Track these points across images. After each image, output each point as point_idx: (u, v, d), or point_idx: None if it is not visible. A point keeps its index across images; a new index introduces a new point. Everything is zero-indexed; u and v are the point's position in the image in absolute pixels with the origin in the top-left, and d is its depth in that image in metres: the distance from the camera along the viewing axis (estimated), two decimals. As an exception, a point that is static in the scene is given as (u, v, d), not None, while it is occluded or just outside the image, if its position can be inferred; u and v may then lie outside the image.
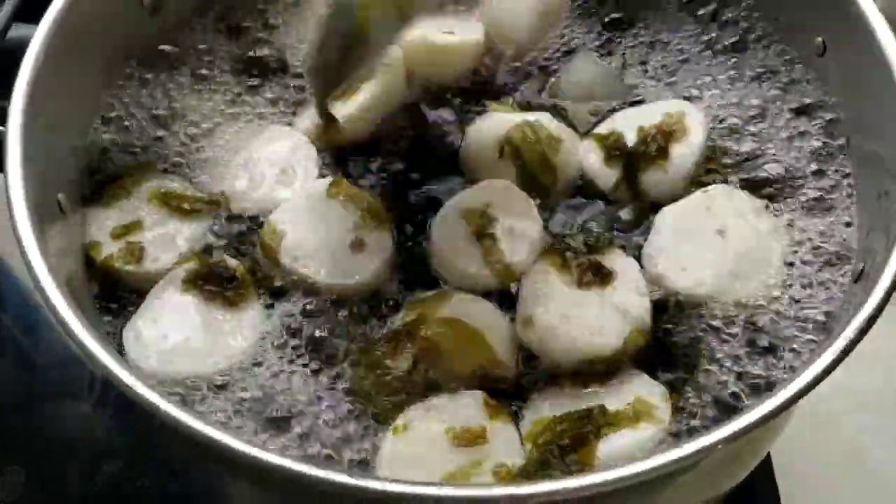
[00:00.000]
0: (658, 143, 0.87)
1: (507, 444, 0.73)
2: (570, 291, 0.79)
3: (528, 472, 0.71)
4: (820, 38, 0.90)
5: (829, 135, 0.90)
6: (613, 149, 0.88)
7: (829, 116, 0.91)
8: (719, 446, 0.64)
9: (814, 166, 0.89)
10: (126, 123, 0.92)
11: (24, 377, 1.08)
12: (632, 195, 0.87)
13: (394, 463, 0.72)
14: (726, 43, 0.97)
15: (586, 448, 0.71)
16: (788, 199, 0.87)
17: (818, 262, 0.84)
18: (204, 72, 0.96)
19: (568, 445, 0.72)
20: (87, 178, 0.88)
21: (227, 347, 0.79)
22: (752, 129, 0.92)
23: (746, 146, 0.90)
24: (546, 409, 0.75)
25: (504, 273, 0.81)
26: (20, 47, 0.82)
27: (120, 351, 0.78)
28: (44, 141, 0.80)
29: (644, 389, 0.75)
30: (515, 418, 0.76)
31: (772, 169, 0.89)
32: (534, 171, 0.86)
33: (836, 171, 0.88)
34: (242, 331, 0.80)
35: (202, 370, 0.77)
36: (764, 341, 0.79)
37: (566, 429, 0.72)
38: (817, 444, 1.04)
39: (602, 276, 0.79)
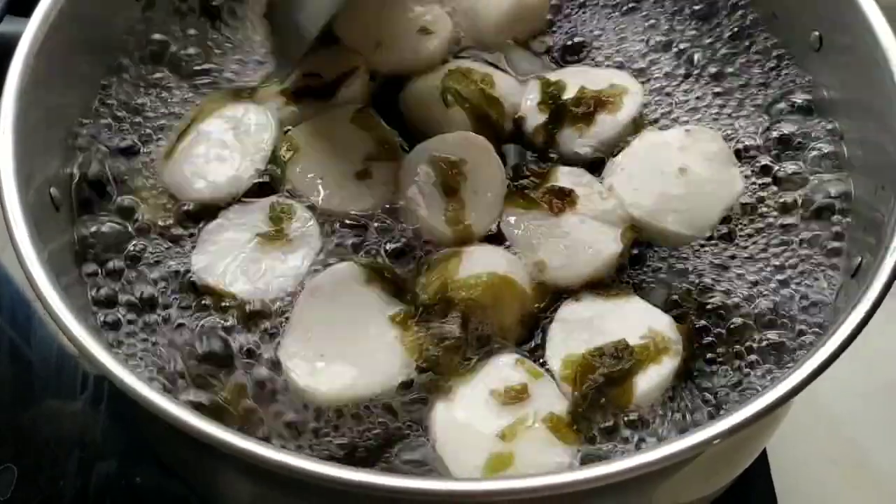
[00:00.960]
0: (588, 107, 0.89)
1: (547, 394, 0.76)
2: (553, 221, 0.83)
3: (578, 414, 0.75)
4: (816, 33, 0.90)
5: (825, 129, 0.90)
6: (550, 96, 0.91)
7: (825, 112, 0.91)
8: (716, 441, 0.64)
9: (810, 163, 0.89)
10: (119, 117, 0.91)
11: (17, 375, 1.07)
12: (544, 144, 0.90)
13: (448, 429, 0.74)
14: (724, 36, 0.97)
15: (622, 388, 0.75)
16: (785, 194, 0.87)
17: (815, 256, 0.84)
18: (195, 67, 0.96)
19: (604, 384, 0.75)
20: (80, 172, 0.87)
21: None
22: (746, 122, 0.92)
23: (746, 139, 0.91)
24: (566, 346, 0.78)
25: (464, 234, 0.83)
26: (11, 41, 0.82)
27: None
28: (36, 135, 0.80)
29: (652, 319, 0.79)
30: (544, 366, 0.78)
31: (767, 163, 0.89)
32: (481, 107, 0.89)
33: (833, 165, 0.88)
34: None
35: None
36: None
37: (600, 367, 0.76)
38: (813, 440, 1.04)
39: (568, 197, 0.83)
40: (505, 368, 0.77)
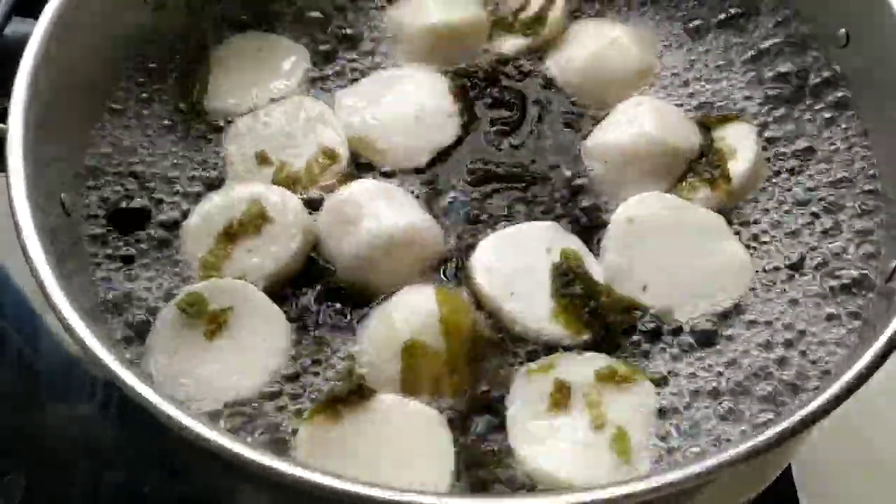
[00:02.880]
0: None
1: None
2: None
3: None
4: (843, 30, 0.88)
5: (851, 125, 0.89)
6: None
7: (850, 108, 0.90)
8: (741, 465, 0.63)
9: (835, 157, 0.88)
10: (130, 121, 0.90)
11: (25, 383, 1.06)
12: None
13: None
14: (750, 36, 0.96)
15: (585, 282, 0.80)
16: (808, 189, 0.87)
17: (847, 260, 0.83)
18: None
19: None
20: (91, 177, 0.86)
21: None
22: (774, 114, 0.91)
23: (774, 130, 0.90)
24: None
25: None
26: (20, 43, 0.80)
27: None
28: (46, 139, 0.78)
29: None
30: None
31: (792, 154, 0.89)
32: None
33: (859, 162, 0.88)
34: None
35: None
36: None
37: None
38: (837, 451, 1.02)
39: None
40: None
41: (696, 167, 0.87)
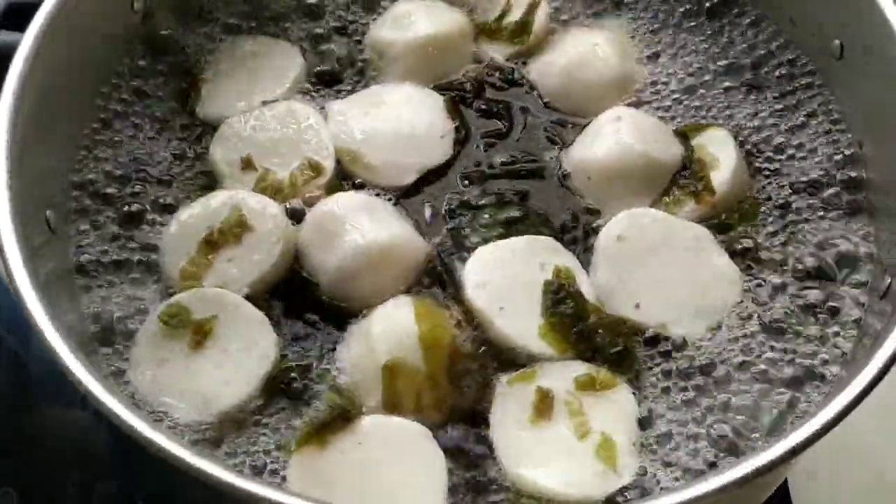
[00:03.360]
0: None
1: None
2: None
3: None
4: (838, 41, 0.87)
5: (845, 138, 0.89)
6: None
7: (842, 120, 0.90)
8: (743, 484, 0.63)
9: (831, 171, 0.88)
10: (117, 136, 0.89)
11: (20, 386, 1.05)
12: None
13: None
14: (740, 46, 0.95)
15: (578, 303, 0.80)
16: (807, 202, 0.86)
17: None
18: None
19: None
20: (75, 194, 0.85)
21: None
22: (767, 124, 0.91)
23: (759, 143, 0.90)
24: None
25: None
26: (5, 55, 0.79)
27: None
28: (31, 156, 0.78)
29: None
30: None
31: (789, 170, 0.88)
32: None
33: (852, 176, 0.87)
34: None
35: None
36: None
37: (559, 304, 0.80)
38: (832, 463, 1.01)
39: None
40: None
41: (679, 180, 0.86)
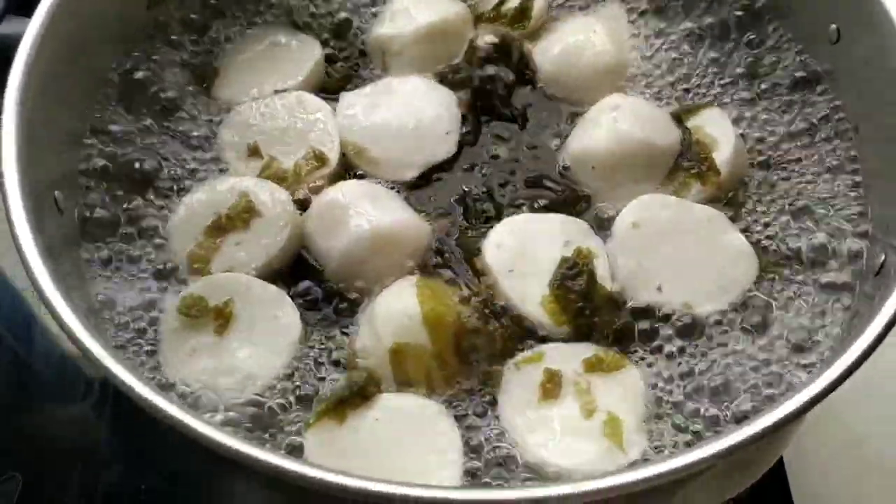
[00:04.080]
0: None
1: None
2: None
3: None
4: (834, 26, 0.89)
5: (840, 120, 0.90)
6: None
7: (838, 101, 0.90)
8: (732, 453, 0.64)
9: (824, 157, 0.89)
10: (123, 120, 0.90)
11: (20, 383, 1.06)
12: None
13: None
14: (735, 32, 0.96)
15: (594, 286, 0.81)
16: (797, 185, 0.88)
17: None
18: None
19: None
20: (83, 175, 0.86)
21: None
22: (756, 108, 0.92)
23: (756, 130, 0.91)
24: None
25: None
26: (13, 42, 0.80)
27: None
28: (39, 139, 0.78)
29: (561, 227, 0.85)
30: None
31: (781, 152, 0.90)
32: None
33: (847, 157, 0.88)
34: None
35: None
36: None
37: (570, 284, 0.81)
38: (826, 438, 1.03)
39: None
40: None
41: (682, 163, 0.87)
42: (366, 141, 0.89)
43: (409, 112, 0.90)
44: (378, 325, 0.77)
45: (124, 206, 0.86)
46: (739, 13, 0.96)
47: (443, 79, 0.94)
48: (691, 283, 0.81)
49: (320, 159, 0.88)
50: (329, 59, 0.96)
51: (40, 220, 0.74)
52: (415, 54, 0.94)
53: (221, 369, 0.77)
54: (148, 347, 0.79)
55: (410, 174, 0.88)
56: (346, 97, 0.92)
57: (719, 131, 0.88)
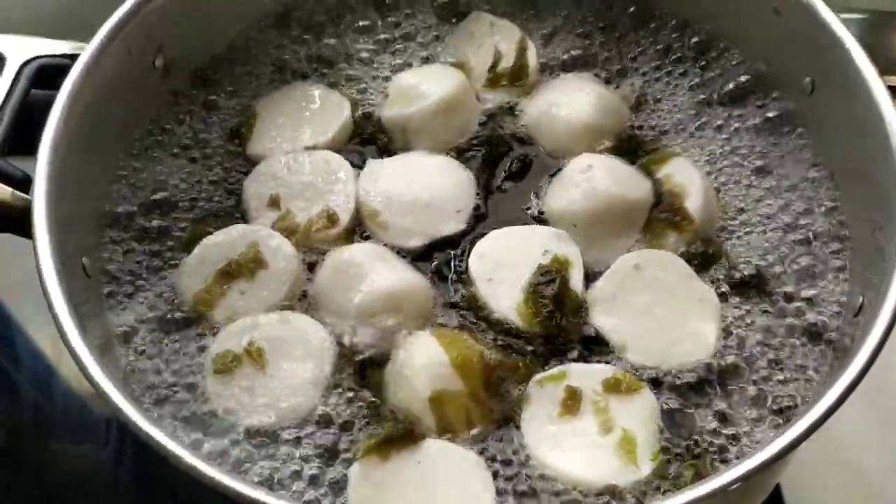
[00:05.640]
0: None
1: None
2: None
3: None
4: (808, 78, 0.93)
5: (816, 170, 0.93)
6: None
7: (816, 151, 0.94)
8: (733, 486, 0.69)
9: (802, 202, 0.93)
10: (144, 185, 0.94)
11: (41, 435, 1.08)
12: None
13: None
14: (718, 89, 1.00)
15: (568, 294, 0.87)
16: (778, 222, 0.91)
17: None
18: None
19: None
20: (109, 241, 0.90)
21: None
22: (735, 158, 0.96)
23: (733, 177, 0.95)
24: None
25: None
26: (39, 113, 0.85)
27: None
28: (68, 207, 0.82)
29: (541, 238, 0.91)
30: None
31: (761, 201, 0.93)
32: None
33: (826, 207, 0.92)
34: None
35: None
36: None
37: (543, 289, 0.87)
38: (823, 465, 1.05)
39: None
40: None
41: (657, 214, 0.91)
42: (380, 206, 0.92)
43: (427, 187, 0.93)
44: (410, 376, 0.82)
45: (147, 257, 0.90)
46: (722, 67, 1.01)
47: (460, 153, 0.97)
48: (658, 342, 0.86)
49: (332, 220, 0.91)
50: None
51: (70, 286, 0.78)
52: (432, 128, 0.97)
53: (275, 399, 0.82)
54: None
55: (413, 242, 0.92)
56: (372, 163, 0.96)
57: (687, 179, 0.92)
